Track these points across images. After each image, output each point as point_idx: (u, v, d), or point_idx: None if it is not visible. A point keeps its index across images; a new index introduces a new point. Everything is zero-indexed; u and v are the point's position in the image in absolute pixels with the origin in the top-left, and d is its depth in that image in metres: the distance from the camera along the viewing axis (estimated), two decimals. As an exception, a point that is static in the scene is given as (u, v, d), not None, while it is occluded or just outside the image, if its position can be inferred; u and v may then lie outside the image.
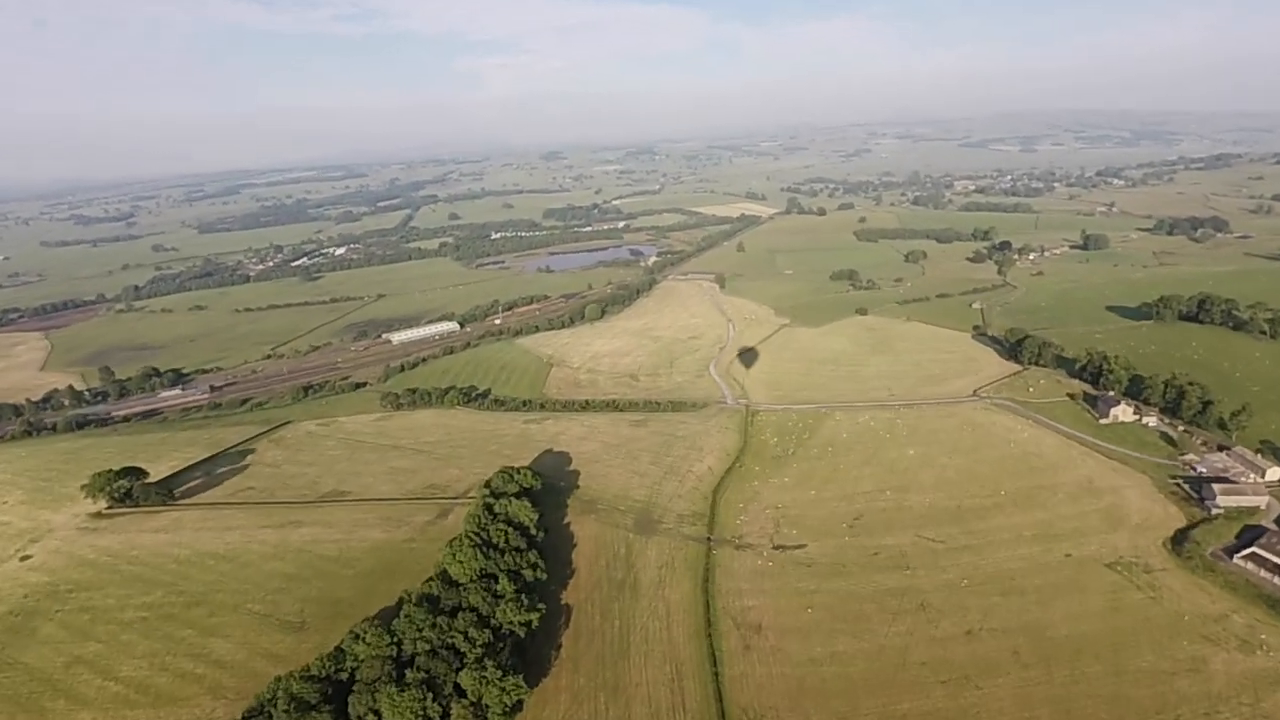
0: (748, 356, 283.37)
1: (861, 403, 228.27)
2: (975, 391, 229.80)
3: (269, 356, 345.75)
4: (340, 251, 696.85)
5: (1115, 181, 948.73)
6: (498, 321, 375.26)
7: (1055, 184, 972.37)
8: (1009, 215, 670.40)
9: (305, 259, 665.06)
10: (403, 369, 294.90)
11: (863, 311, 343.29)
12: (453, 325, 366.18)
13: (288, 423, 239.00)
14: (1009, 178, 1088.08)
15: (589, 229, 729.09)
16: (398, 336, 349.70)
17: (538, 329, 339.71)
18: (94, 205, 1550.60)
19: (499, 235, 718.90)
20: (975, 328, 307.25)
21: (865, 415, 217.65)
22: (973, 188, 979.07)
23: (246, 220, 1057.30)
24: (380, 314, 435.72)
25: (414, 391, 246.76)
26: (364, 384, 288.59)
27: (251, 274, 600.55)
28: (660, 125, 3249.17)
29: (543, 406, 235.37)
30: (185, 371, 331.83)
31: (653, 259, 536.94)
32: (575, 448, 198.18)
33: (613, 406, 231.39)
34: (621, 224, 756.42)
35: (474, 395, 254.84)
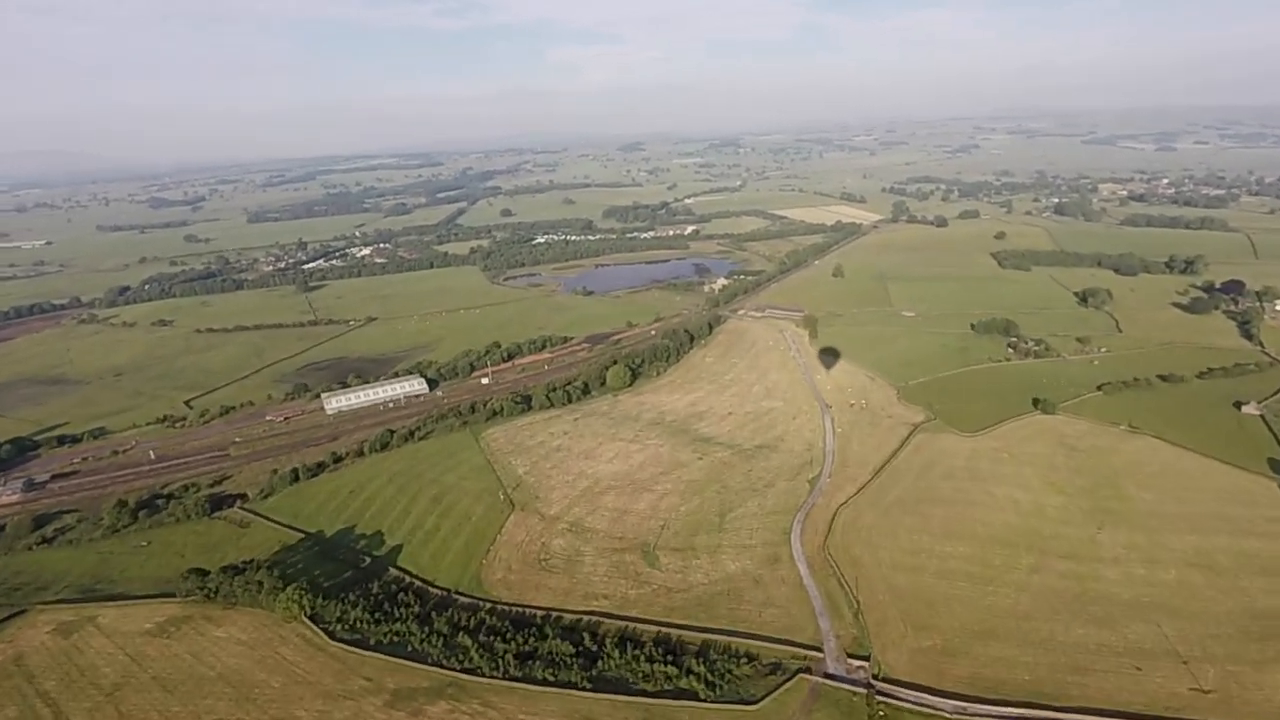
0: (862, 506, 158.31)
1: (1138, 712, 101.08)
2: None
3: (164, 420, 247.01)
4: (365, 252, 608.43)
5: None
6: (484, 381, 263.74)
7: (1235, 190, 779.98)
8: (1199, 234, 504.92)
9: (322, 260, 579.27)
10: (297, 478, 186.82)
11: (1047, 407, 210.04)
12: (418, 385, 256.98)
13: (21, 612, 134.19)
14: (1165, 180, 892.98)
15: (649, 235, 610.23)
16: (336, 401, 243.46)
17: (528, 405, 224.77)
18: (180, 188, 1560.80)
19: (544, 239, 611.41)
20: (1275, 464, 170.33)
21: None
22: (1124, 193, 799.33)
23: (297, 210, 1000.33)
24: (354, 348, 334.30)
25: (239, 574, 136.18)
26: (235, 500, 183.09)
27: (253, 277, 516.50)
28: (747, 117, 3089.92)
29: (459, 633, 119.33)
30: (38, 440, 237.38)
31: (720, 282, 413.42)
32: None
33: (588, 656, 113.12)
34: (690, 229, 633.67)
35: (355, 577, 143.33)
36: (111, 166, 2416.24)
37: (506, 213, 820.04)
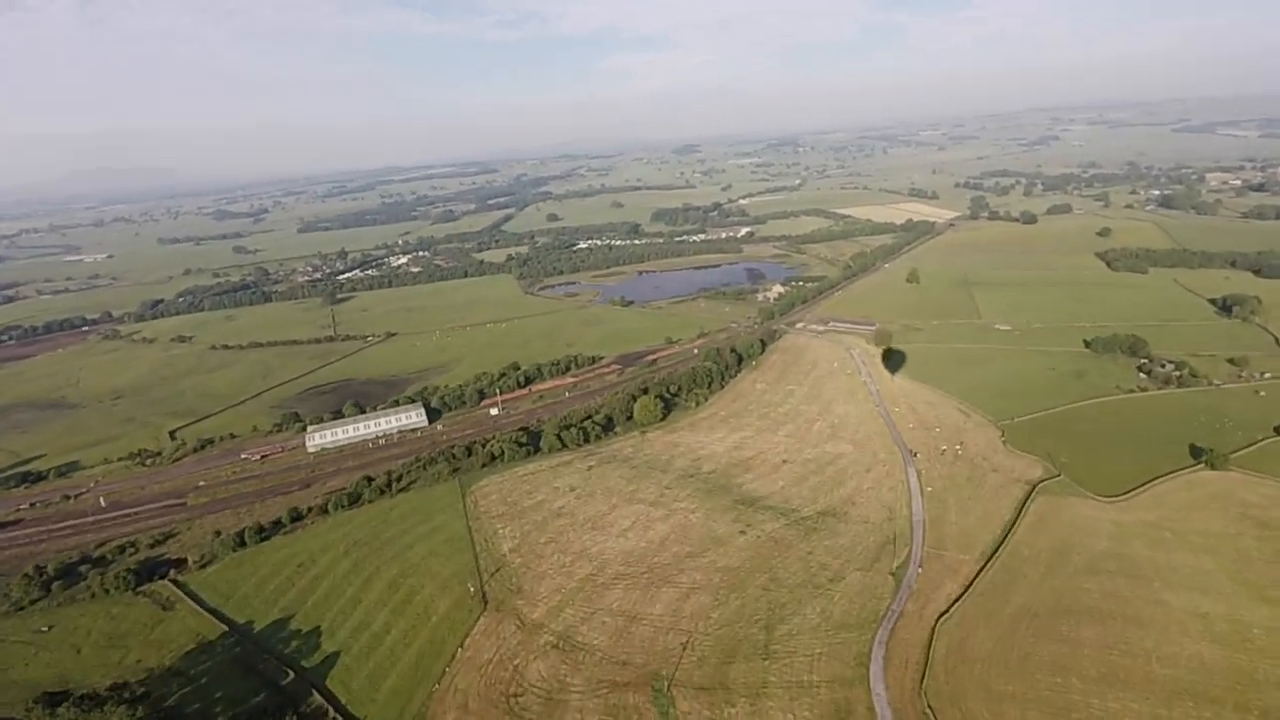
0: (973, 620, 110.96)
1: None
2: None
3: (137, 455, 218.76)
4: (402, 261, 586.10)
5: None
6: (493, 412, 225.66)
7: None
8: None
9: (358, 270, 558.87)
10: (243, 542, 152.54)
11: (1215, 460, 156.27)
12: (415, 417, 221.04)
13: None
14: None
15: (699, 238, 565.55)
16: (319, 438, 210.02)
17: (535, 446, 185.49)
18: (247, 200, 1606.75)
19: (587, 244, 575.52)
20: None
21: None
22: (1237, 183, 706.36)
23: (348, 219, 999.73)
24: (365, 369, 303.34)
25: (98, 706, 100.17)
26: (169, 567, 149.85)
27: (283, 289, 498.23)
28: (807, 117, 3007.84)
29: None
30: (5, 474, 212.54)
31: (776, 289, 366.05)
32: None
33: None
34: (744, 231, 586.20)
35: (265, 704, 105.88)
36: (194, 182, 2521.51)
37: (553, 217, 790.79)
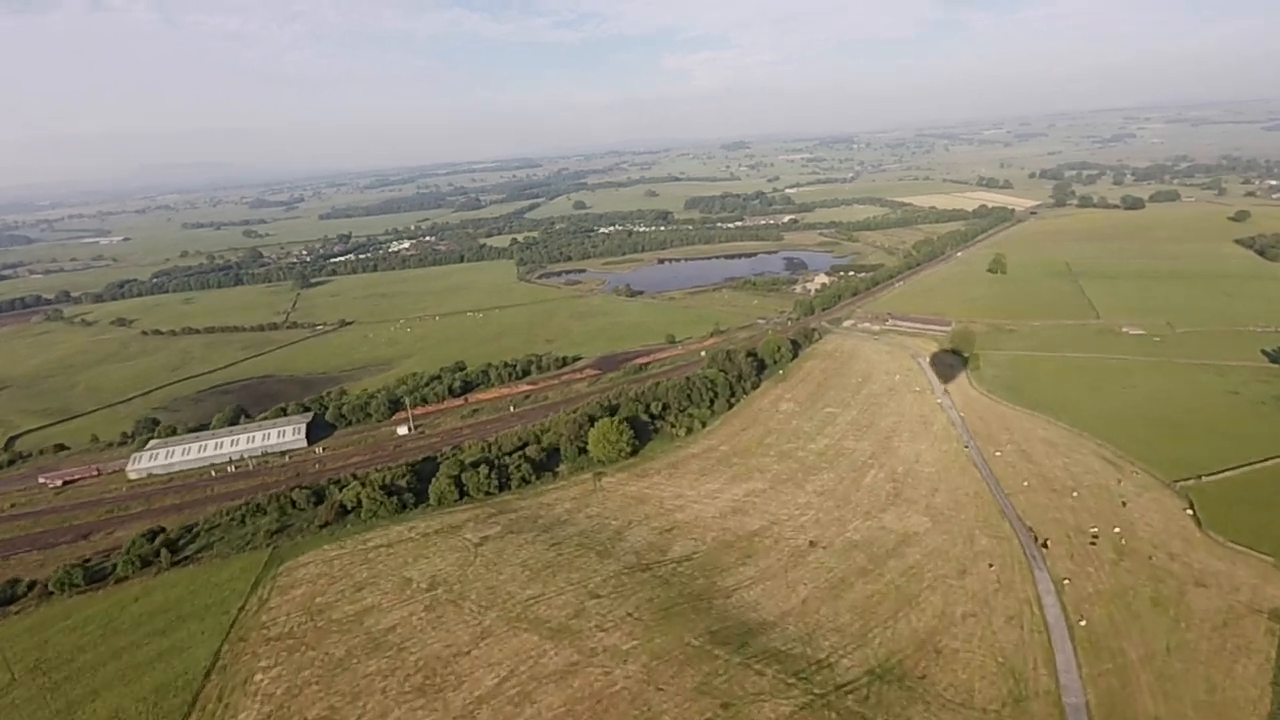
0: None
1: None
2: None
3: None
4: (404, 246, 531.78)
5: None
6: (401, 430, 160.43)
7: None
8: None
9: (352, 255, 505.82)
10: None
11: None
12: (290, 435, 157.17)
13: None
14: None
15: (735, 225, 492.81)
16: (148, 460, 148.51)
17: (419, 495, 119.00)
18: (289, 191, 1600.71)
19: (608, 230, 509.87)
20: None
21: None
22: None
23: (374, 208, 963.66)
24: (293, 363, 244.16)
25: None
26: None
27: (258, 272, 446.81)
28: (863, 116, 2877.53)
29: None
30: None
31: (819, 280, 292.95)
32: None
33: None
34: (788, 217, 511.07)
35: None
36: (254, 175, 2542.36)
37: (580, 205, 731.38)
